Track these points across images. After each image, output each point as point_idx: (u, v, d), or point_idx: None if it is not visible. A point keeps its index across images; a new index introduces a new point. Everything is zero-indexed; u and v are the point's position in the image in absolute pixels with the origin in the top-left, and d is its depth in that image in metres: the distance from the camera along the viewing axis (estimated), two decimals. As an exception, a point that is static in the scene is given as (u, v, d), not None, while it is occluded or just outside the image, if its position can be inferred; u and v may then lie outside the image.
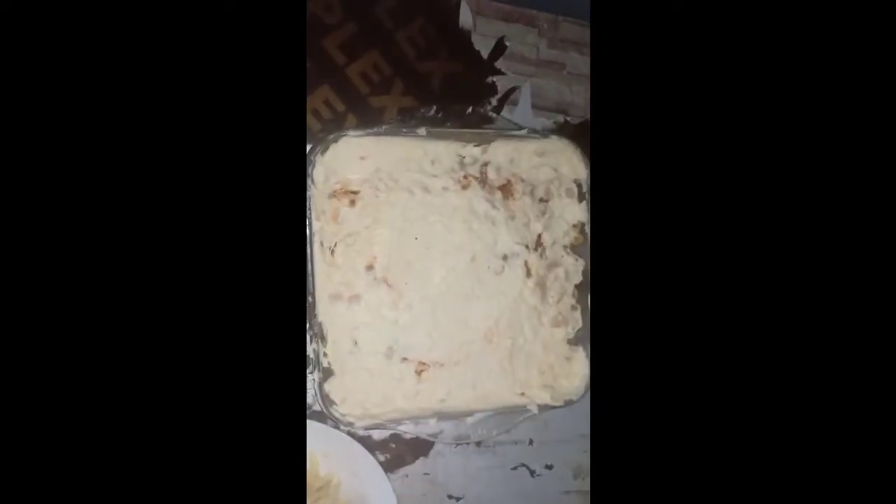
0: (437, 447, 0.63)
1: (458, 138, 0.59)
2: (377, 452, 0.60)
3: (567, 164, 0.62)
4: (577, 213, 0.62)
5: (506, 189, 0.60)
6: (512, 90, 0.68)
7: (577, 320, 0.61)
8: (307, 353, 0.54)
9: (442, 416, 0.57)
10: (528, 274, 0.60)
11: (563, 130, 0.69)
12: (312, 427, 0.56)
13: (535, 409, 0.59)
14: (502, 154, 0.60)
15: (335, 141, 0.55)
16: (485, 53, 0.68)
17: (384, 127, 0.56)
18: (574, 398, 0.60)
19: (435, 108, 0.59)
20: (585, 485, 0.68)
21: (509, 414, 0.59)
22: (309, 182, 0.55)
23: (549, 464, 0.67)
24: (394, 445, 0.62)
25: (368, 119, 0.63)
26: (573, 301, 0.61)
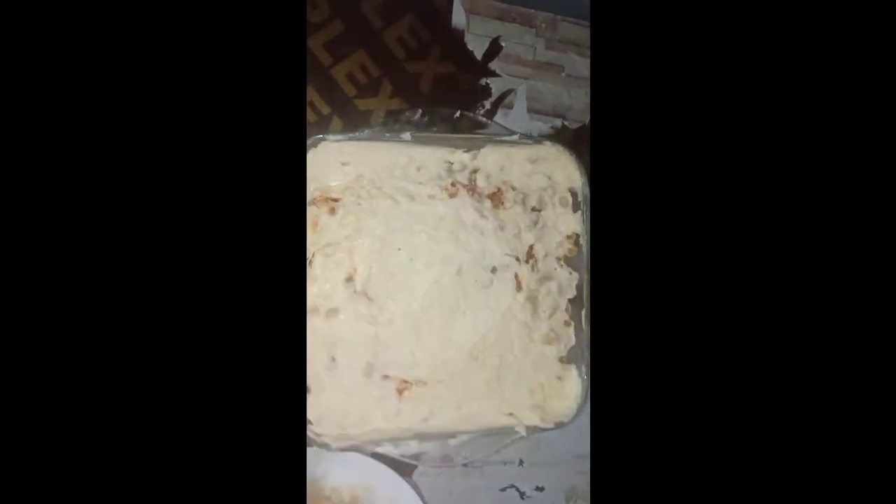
0: (420, 467, 0.60)
1: (445, 143, 0.56)
2: (357, 473, 0.57)
3: (561, 172, 0.58)
4: (572, 223, 0.58)
5: (496, 197, 0.57)
6: (507, 93, 0.65)
7: (571, 337, 0.58)
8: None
9: (423, 437, 0.54)
10: (519, 288, 0.57)
11: (560, 135, 0.66)
12: (352, 458, 0.55)
13: (523, 431, 0.55)
14: (493, 161, 0.57)
15: (314, 146, 0.52)
16: (479, 54, 0.64)
17: (367, 131, 0.53)
18: (565, 420, 0.56)
19: (420, 111, 0.56)
20: (579, 508, 0.65)
21: (496, 436, 0.56)
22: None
23: (539, 485, 0.64)
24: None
25: (354, 122, 0.60)
26: (566, 317, 0.58)
